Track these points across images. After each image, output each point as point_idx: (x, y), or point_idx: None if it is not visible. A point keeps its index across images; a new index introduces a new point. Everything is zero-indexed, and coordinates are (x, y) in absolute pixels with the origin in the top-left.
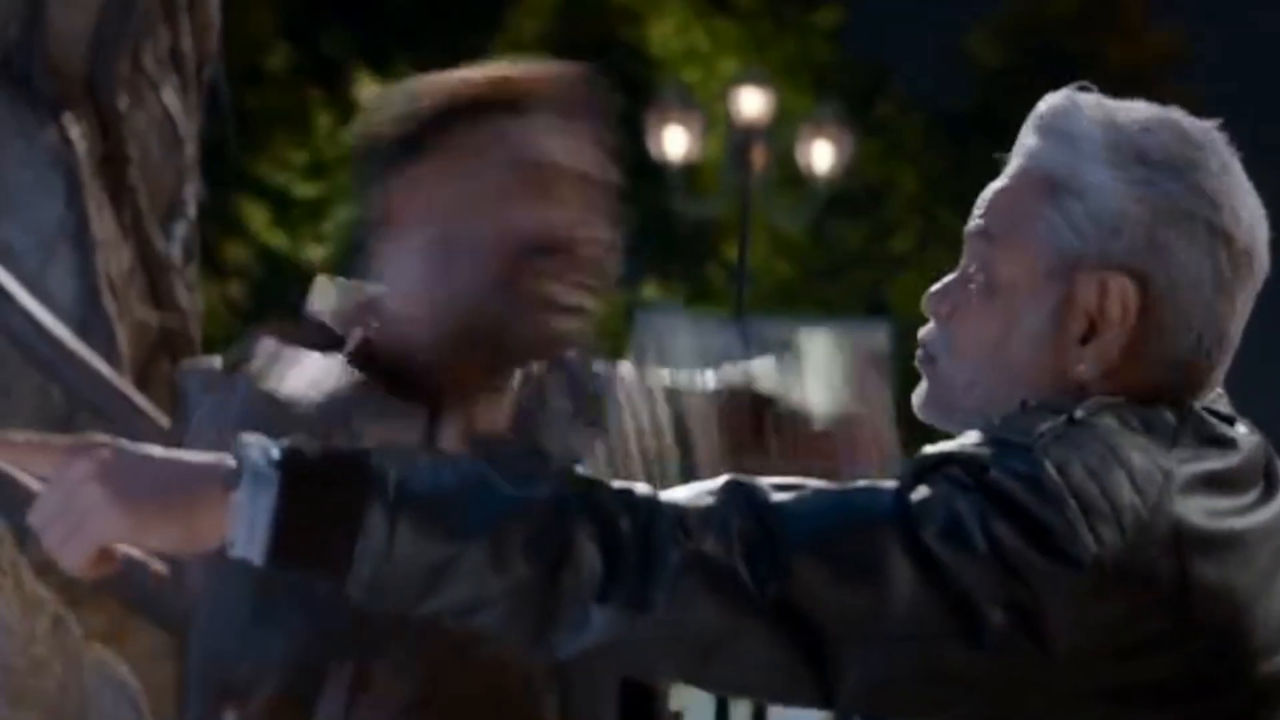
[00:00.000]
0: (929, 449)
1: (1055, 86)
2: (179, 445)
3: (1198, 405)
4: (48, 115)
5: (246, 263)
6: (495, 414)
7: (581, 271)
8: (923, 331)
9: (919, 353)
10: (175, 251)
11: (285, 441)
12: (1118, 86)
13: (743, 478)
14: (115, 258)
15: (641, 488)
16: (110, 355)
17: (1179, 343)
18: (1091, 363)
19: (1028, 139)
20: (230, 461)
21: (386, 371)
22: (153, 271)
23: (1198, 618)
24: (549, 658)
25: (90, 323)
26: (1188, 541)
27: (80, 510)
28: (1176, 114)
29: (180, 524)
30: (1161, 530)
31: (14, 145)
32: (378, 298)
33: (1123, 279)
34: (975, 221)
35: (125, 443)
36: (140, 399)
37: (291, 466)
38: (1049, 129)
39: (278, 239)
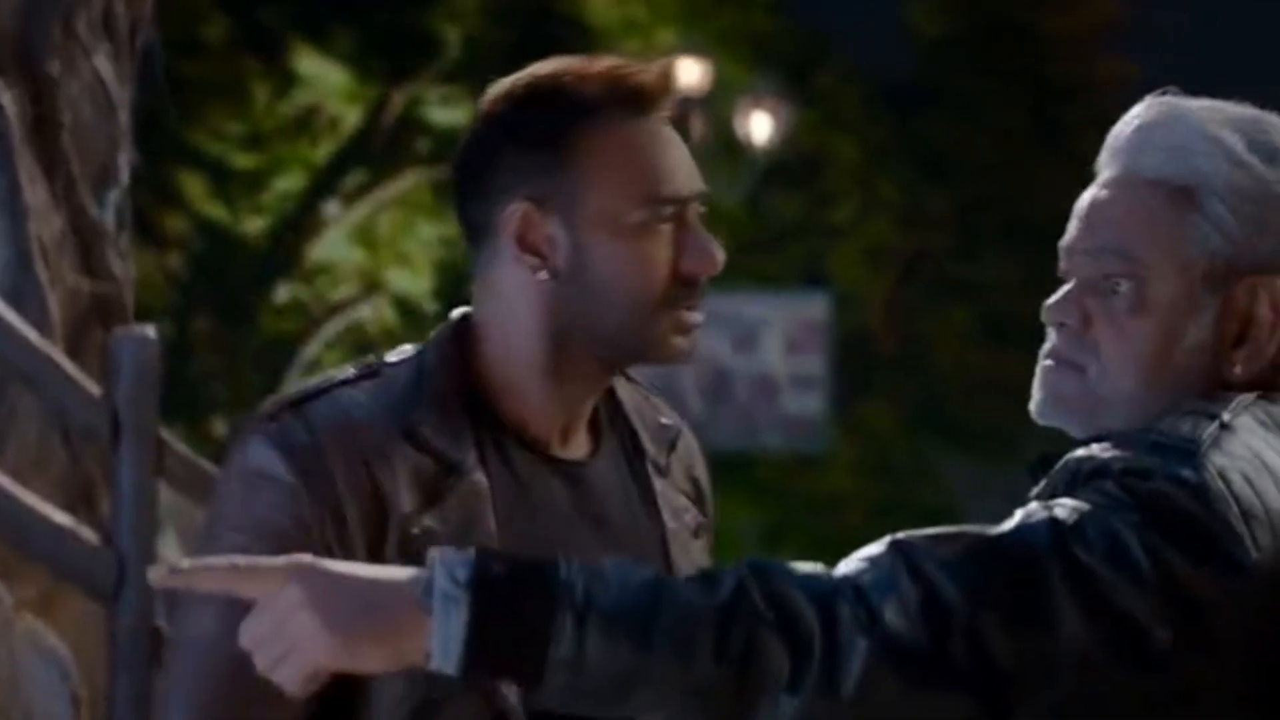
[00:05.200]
0: (1079, 453)
1: (996, 57)
2: (115, 415)
3: None
4: None
5: (184, 233)
6: (579, 438)
7: (702, 291)
8: (1054, 342)
9: (1049, 361)
10: (108, 219)
11: (473, 558)
12: (1057, 57)
13: (904, 538)
14: (47, 225)
15: (814, 568)
16: (42, 323)
17: None
18: (1245, 365)
19: (1139, 152)
20: (423, 581)
21: (469, 392)
22: (85, 239)
23: None
24: None
25: (22, 290)
26: None
27: (292, 637)
28: (1253, 108)
29: (386, 647)
30: None
31: None
32: (481, 323)
33: (1273, 280)
34: (1090, 236)
35: (325, 565)
36: (71, 367)
37: (480, 587)
38: (1159, 141)
39: (216, 210)
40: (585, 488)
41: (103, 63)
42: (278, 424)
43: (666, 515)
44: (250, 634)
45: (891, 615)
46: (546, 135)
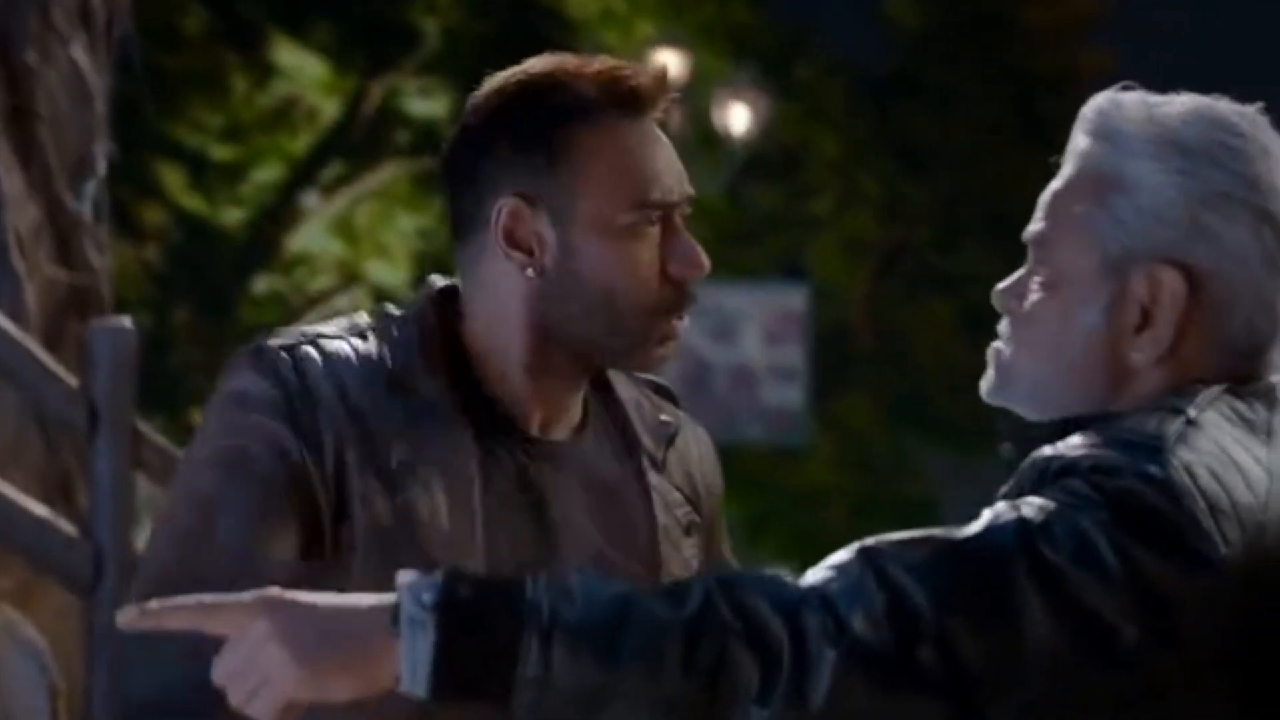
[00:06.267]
0: (1047, 451)
1: (975, 49)
2: (92, 406)
3: None
4: None
5: (163, 225)
6: (562, 425)
7: (691, 297)
8: (1002, 325)
9: (997, 344)
10: (85, 209)
11: (439, 581)
12: (1038, 49)
13: (871, 545)
14: (23, 215)
15: (783, 576)
16: (18, 314)
17: (1230, 324)
18: (1145, 351)
19: (1077, 141)
20: (391, 606)
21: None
22: (62, 229)
23: None
24: None
25: None
26: None
27: (263, 670)
28: (1216, 103)
29: (355, 674)
30: (1274, 526)
31: None
32: (467, 315)
33: (1171, 270)
34: (1035, 225)
35: (292, 597)
36: (48, 358)
37: (446, 609)
38: (1094, 130)
39: (194, 202)
40: (563, 466)
41: (79, 53)
42: (267, 357)
43: (659, 510)
44: (222, 670)
45: (859, 624)
46: (539, 133)
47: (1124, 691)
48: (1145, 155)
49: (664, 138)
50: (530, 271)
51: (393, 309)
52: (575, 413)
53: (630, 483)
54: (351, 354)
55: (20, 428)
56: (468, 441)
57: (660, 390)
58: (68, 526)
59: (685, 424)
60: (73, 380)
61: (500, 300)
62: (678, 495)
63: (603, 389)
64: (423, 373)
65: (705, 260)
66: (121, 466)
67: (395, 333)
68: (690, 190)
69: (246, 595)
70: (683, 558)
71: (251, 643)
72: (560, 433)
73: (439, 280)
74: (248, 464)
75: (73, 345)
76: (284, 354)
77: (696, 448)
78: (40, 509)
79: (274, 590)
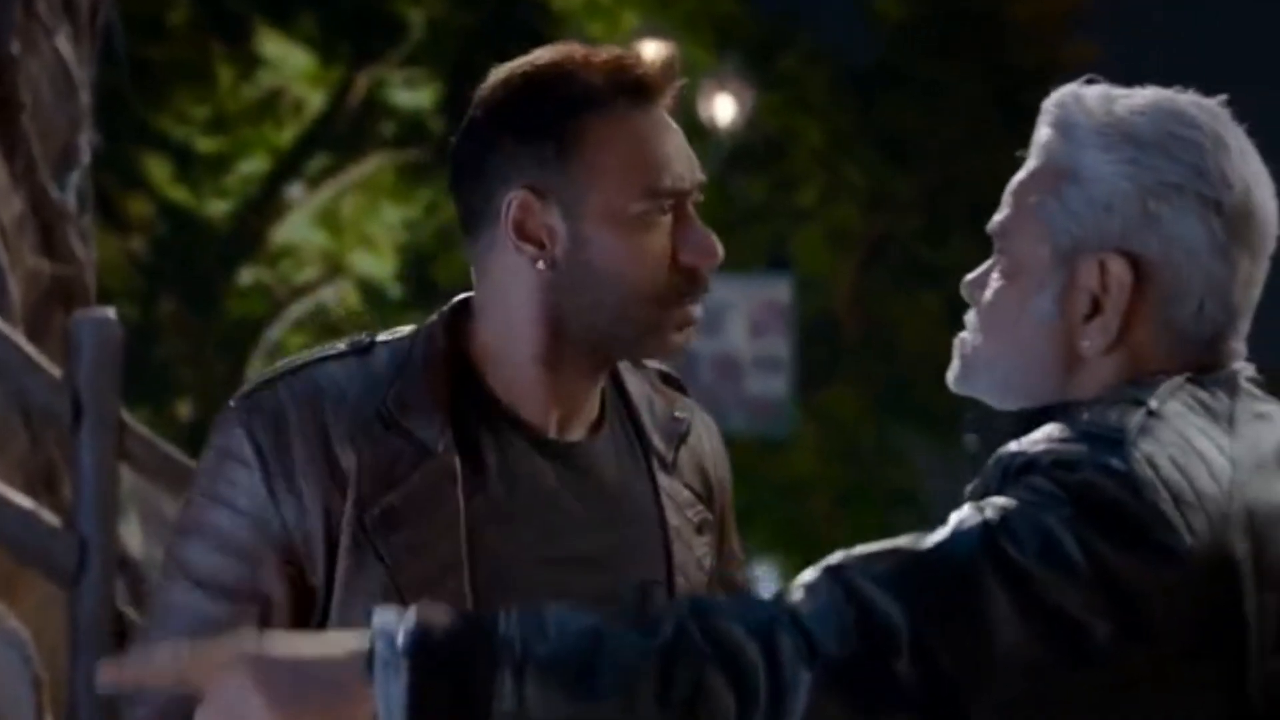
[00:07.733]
0: (1010, 447)
1: (959, 40)
2: (76, 397)
3: (1243, 381)
4: None
5: (148, 217)
6: (577, 423)
7: (704, 284)
8: (969, 315)
9: (963, 333)
10: (69, 200)
11: (412, 624)
12: (1022, 41)
13: (838, 561)
14: (7, 206)
15: (755, 600)
16: (1, 304)
17: (1181, 311)
18: (1094, 340)
19: (1040, 133)
20: (365, 651)
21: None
22: (46, 220)
23: (1270, 588)
24: None
25: None
26: (1260, 521)
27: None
28: (1177, 95)
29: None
30: (1238, 515)
31: None
32: (478, 308)
33: (1119, 259)
34: (999, 215)
35: (268, 647)
36: (32, 349)
37: (418, 651)
38: (1054, 122)
39: (180, 193)
40: (577, 468)
41: (64, 43)
42: (249, 402)
43: (669, 511)
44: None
45: (832, 642)
46: (547, 125)
47: (1099, 687)
48: (1098, 147)
49: (673, 125)
50: (541, 264)
51: (403, 329)
52: (593, 409)
53: (642, 483)
54: (344, 386)
55: (4, 418)
56: (451, 472)
57: (669, 380)
58: (51, 517)
59: (695, 415)
60: (57, 371)
61: (511, 294)
62: (688, 494)
63: (617, 384)
64: (419, 408)
65: (718, 247)
66: (106, 458)
67: (401, 356)
68: (701, 177)
69: (224, 645)
70: (696, 557)
71: (231, 694)
72: (577, 431)
73: (461, 296)
74: (228, 542)
75: (57, 336)
76: (268, 402)
77: (708, 440)
78: (24, 500)
79: (250, 641)
